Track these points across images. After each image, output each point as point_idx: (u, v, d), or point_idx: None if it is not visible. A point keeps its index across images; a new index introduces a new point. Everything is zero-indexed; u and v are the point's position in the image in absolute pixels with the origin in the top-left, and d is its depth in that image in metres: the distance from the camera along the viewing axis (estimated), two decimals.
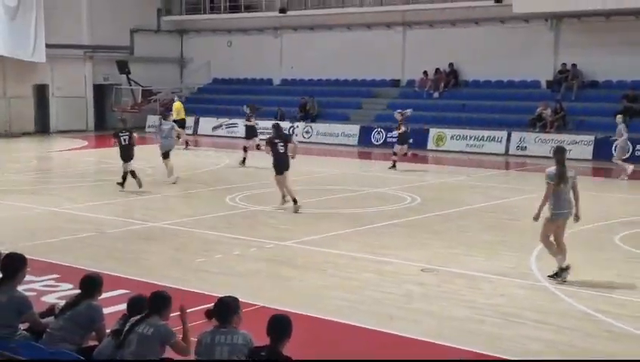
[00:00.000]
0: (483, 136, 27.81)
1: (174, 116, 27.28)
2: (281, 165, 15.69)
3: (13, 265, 6.77)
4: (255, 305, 9.13)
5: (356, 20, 33.67)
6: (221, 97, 37.16)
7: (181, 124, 27.45)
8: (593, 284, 10.29)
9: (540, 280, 10.48)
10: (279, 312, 6.29)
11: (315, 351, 7.88)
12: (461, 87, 31.52)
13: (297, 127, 32.03)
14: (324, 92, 34.25)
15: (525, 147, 26.86)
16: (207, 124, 34.92)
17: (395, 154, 22.96)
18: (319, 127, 31.66)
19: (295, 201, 15.50)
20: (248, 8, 37.28)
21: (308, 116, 32.19)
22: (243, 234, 13.44)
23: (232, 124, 33.92)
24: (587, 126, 26.78)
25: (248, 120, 24.56)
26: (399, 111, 23.83)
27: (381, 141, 29.69)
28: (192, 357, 5.92)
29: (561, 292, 9.88)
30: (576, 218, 10.74)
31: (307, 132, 31.77)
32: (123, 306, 6.63)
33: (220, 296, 6.22)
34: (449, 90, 31.33)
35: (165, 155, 19.53)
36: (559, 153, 10.81)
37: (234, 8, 37.39)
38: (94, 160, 26.03)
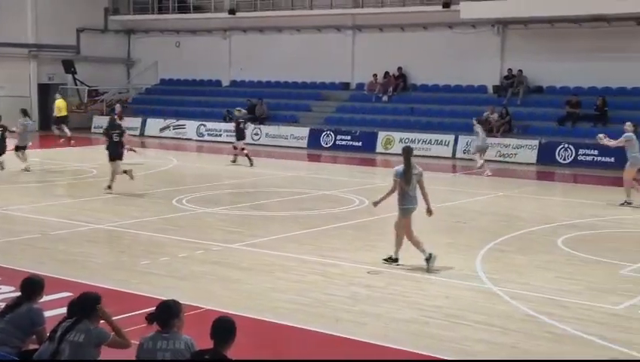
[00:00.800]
0: (431, 140, 28.07)
1: (56, 113, 27.51)
2: (112, 152, 17.92)
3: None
4: (201, 308, 9.06)
5: (306, 23, 33.71)
6: (169, 98, 36.85)
7: (63, 120, 29.48)
8: (537, 286, 10.46)
9: (485, 283, 10.61)
10: (225, 315, 6.25)
11: (261, 354, 7.86)
12: (410, 91, 31.78)
13: (246, 128, 31.85)
14: (273, 94, 34.21)
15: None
16: (154, 125, 34.57)
17: (235, 148, 24.20)
18: (268, 129, 31.60)
19: (109, 187, 17.58)
20: (197, 9, 37.05)
21: (256, 118, 32.09)
22: (190, 236, 13.33)
23: (179, 125, 33.65)
24: (532, 130, 27.27)
25: (238, 122, 24.62)
26: (238, 108, 25.90)
27: (331, 143, 29.76)
28: (134, 357, 5.85)
29: (505, 294, 10.02)
30: (429, 212, 11.58)
31: (256, 134, 31.67)
32: (64, 309, 6.51)
33: (165, 299, 6.15)
34: (398, 94, 31.57)
35: (19, 148, 21.37)
36: (406, 152, 11.50)
37: (182, 9, 37.12)
38: (38, 160, 25.52)
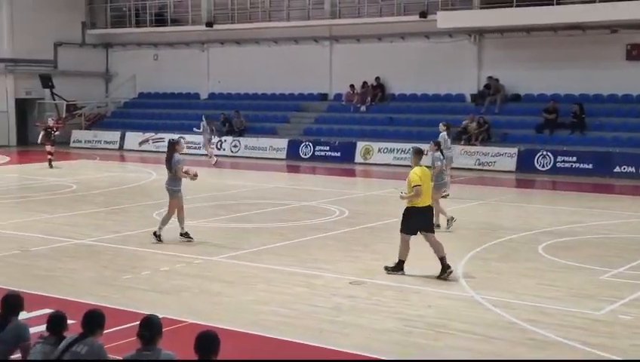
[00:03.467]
0: (409, 149, 28.07)
1: None
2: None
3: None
4: (184, 321, 9.03)
5: (283, 34, 33.77)
6: (147, 111, 36.73)
7: None
8: (518, 294, 10.51)
9: (467, 291, 10.65)
10: (208, 328, 6.23)
11: None
12: (388, 101, 31.90)
13: (225, 141, 31.88)
14: (251, 106, 34.21)
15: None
16: (133, 138, 34.44)
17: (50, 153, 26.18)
18: (247, 141, 31.58)
19: None
20: (175, 22, 37.00)
21: (234, 130, 32.06)
22: (171, 250, 13.27)
23: (158, 138, 33.54)
24: (510, 139, 27.45)
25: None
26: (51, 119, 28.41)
27: (310, 154, 29.78)
28: None
29: (487, 303, 10.06)
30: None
31: (235, 146, 31.64)
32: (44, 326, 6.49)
33: (147, 313, 6.12)
34: (376, 104, 31.67)
35: None
36: (170, 145, 14.05)
37: (160, 22, 37.06)
38: (17, 176, 25.36)
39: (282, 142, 30.73)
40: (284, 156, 30.29)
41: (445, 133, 19.00)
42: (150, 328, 5.76)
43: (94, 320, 6.07)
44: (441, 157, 15.78)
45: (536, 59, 28.28)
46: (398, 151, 28.30)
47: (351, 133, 30.11)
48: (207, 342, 5.53)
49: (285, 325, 9.13)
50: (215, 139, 30.24)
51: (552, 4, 26.97)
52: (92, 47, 38.60)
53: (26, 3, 35.07)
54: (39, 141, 27.75)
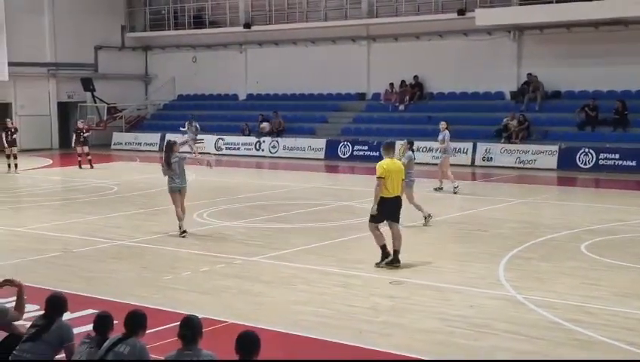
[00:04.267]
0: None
1: None
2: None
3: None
4: (224, 321, 9.06)
5: (321, 34, 33.79)
6: (186, 113, 36.94)
7: None
8: (561, 293, 10.37)
9: (509, 291, 10.53)
10: (248, 329, 6.24)
11: None
12: (426, 100, 31.73)
13: (264, 141, 32.03)
14: (290, 106, 34.29)
15: (491, 158, 27.10)
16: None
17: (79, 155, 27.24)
18: (285, 141, 31.64)
19: None
20: (213, 24, 37.26)
21: (273, 131, 32.17)
22: (211, 250, 13.35)
23: (198, 140, 33.75)
24: (551, 136, 27.12)
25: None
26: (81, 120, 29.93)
27: (348, 154, 29.74)
28: None
29: (530, 303, 9.93)
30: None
31: (273, 147, 31.74)
32: (91, 326, 6.55)
33: (188, 313, 6.15)
34: (414, 103, 31.52)
35: None
36: (168, 147, 14.87)
37: (198, 24, 37.34)
38: (59, 178, 25.73)
39: (321, 142, 30.74)
40: (322, 156, 30.30)
41: (447, 131, 20.69)
42: (191, 328, 5.79)
43: (136, 320, 6.13)
44: (412, 156, 16.17)
45: (577, 56, 27.90)
46: (436, 150, 28.08)
47: (389, 132, 29.91)
48: (248, 343, 5.55)
49: (325, 325, 9.11)
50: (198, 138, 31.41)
51: (593, 0, 26.59)
52: (131, 50, 39.04)
53: (67, 8, 35.60)
54: (72, 145, 28.30)
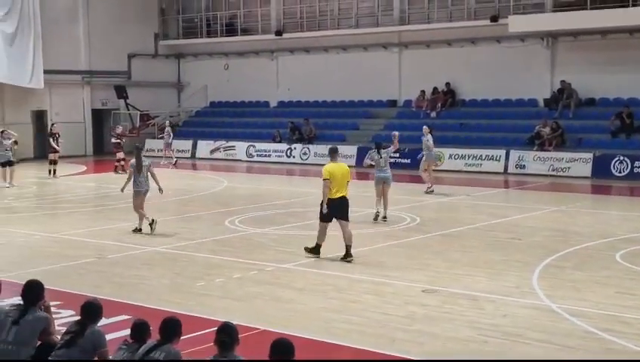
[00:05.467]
0: (481, 155, 27.84)
1: None
2: None
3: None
4: (256, 328, 9.08)
5: (352, 41, 33.81)
6: (218, 120, 37.25)
7: None
8: (596, 302, 10.25)
9: (543, 300, 10.43)
10: (281, 336, 6.25)
11: None
12: (458, 107, 31.57)
13: (295, 148, 32.11)
14: (321, 113, 34.33)
15: (524, 165, 26.87)
16: (204, 147, 34.98)
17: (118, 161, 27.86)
18: (316, 148, 31.65)
19: None
20: (245, 31, 37.46)
21: (303, 138, 32.23)
22: (243, 257, 13.40)
23: (229, 146, 33.99)
24: (585, 144, 26.83)
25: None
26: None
27: None
28: None
29: (563, 311, 9.83)
30: (160, 190, 15.86)
31: (304, 153, 31.79)
32: (124, 332, 6.60)
33: (221, 320, 6.17)
34: (446, 110, 31.39)
35: (4, 165, 23.90)
36: (138, 150, 15.92)
37: (230, 32, 37.56)
38: (93, 185, 26.00)
39: (351, 149, 30.69)
40: (353, 163, 30.17)
41: (430, 135, 21.95)
42: (229, 334, 5.82)
43: (171, 327, 6.17)
44: (376, 157, 17.75)
45: (612, 63, 27.60)
46: (469, 157, 28.00)
47: (420, 139, 29.83)
48: (283, 350, 5.55)
49: (357, 333, 9.09)
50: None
51: (628, 6, 26.30)
52: (164, 57, 39.37)
53: (102, 17, 36.02)
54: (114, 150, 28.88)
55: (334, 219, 12.99)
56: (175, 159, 31.63)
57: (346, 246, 12.90)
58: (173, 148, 32.56)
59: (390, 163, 18.51)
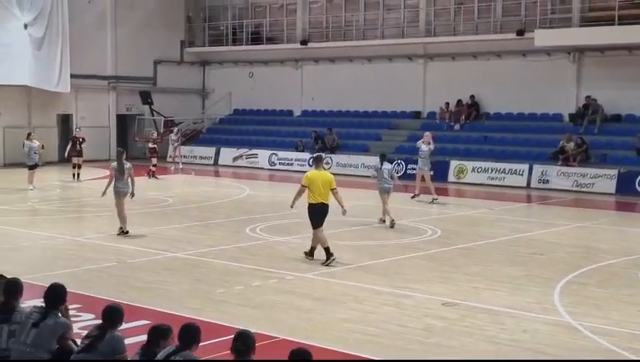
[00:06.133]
0: (504, 169, 27.68)
1: None
2: None
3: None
4: (275, 337, 9.07)
5: (377, 52, 33.82)
6: (242, 128, 37.36)
7: None
8: (618, 321, 10.14)
9: (564, 317, 10.34)
10: (299, 345, 6.24)
11: None
12: (482, 120, 31.45)
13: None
14: (344, 123, 34.34)
15: (548, 180, 26.69)
16: (227, 154, 35.11)
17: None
18: (339, 158, 31.66)
19: None
20: (270, 40, 37.59)
21: (326, 147, 32.24)
22: (263, 265, 13.41)
23: (252, 154, 34.08)
24: (610, 160, 26.61)
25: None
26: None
27: (401, 172, 29.59)
28: None
29: (585, 329, 9.73)
30: (132, 195, 16.42)
31: (327, 163, 31.78)
32: (143, 337, 6.61)
33: (240, 327, 6.18)
34: (470, 122, 31.28)
35: (33, 167, 24.36)
36: (120, 153, 16.48)
37: (256, 40, 37.71)
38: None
39: (374, 160, 30.59)
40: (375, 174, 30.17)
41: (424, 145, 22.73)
42: (245, 342, 5.82)
43: (191, 334, 6.17)
44: (379, 167, 18.81)
45: (638, 79, 27.36)
46: (492, 170, 27.86)
47: (444, 151, 29.77)
48: (301, 359, 5.54)
49: (374, 344, 9.06)
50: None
51: None
52: (190, 64, 39.60)
53: (129, 24, 36.32)
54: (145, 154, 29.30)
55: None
56: (181, 165, 32.02)
57: (312, 247, 13.79)
58: (182, 154, 33.22)
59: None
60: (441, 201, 22.59)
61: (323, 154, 18.53)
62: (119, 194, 16.24)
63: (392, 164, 18.93)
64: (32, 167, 24.36)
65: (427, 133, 23.53)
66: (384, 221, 18.15)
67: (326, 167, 31.60)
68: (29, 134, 25.84)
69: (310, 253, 13.88)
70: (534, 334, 9.54)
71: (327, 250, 13.48)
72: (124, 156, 16.50)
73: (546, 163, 27.30)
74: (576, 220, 19.77)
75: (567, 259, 14.40)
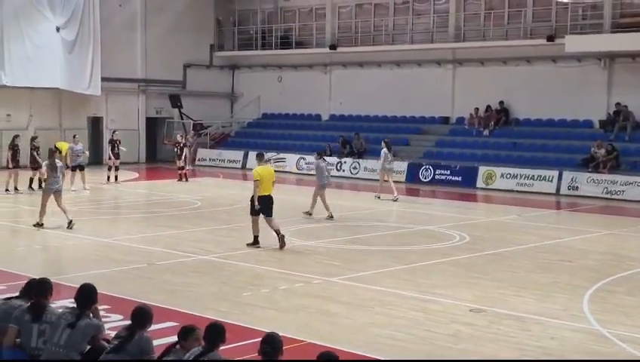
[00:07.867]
0: (533, 175, 27.47)
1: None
2: None
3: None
4: (301, 341, 9.09)
5: (406, 57, 33.76)
6: (270, 132, 37.47)
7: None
8: None
9: (592, 324, 10.24)
10: (325, 349, 6.25)
11: None
12: (512, 126, 31.25)
13: (345, 162, 32.11)
14: (372, 128, 34.30)
15: (577, 187, 26.43)
16: (255, 158, 35.12)
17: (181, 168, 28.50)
18: (366, 163, 31.62)
19: None
20: (299, 45, 37.69)
21: (354, 152, 32.23)
22: (290, 268, 13.44)
23: (280, 158, 34.14)
24: None
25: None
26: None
27: (429, 178, 29.52)
28: None
29: (614, 337, 9.64)
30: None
31: (354, 168, 31.78)
32: (171, 338, 6.66)
33: (266, 330, 6.20)
34: (499, 128, 31.10)
35: (75, 168, 25.05)
36: (51, 152, 17.65)
37: (285, 44, 37.83)
38: (145, 192, 26.37)
39: (402, 165, 30.58)
40: (403, 179, 30.12)
41: (386, 149, 24.01)
42: (273, 345, 5.85)
43: (215, 333, 6.20)
44: (321, 164, 20.09)
45: None
46: (521, 177, 27.66)
47: (473, 157, 29.67)
48: None
49: (400, 349, 9.04)
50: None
51: None
52: (219, 68, 39.81)
53: (159, 27, 36.59)
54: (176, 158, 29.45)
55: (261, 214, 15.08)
56: (192, 168, 32.19)
57: (276, 231, 15.09)
58: (201, 157, 33.99)
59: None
60: (467, 206, 22.44)
61: (264, 151, 20.67)
62: (47, 190, 17.26)
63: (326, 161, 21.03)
64: (75, 168, 24.95)
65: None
66: (332, 216, 19.17)
67: (354, 171, 31.69)
68: (73, 136, 26.25)
69: (255, 242, 15.16)
70: (562, 341, 9.47)
71: (255, 237, 15.14)
72: (56, 154, 18.02)
73: (575, 169, 27.04)
74: (605, 227, 19.57)
75: (596, 267, 14.27)
